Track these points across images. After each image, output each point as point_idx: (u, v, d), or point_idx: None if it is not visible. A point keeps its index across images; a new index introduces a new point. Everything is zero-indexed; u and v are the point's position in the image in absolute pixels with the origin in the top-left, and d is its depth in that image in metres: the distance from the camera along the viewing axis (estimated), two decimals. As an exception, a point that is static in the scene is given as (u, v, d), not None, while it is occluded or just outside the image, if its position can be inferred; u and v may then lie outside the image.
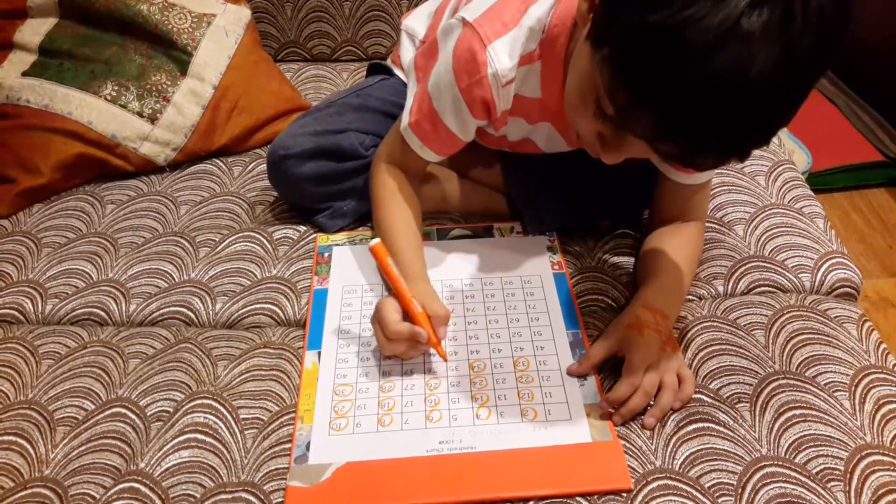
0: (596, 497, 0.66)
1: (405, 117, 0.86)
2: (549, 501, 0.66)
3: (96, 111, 1.06)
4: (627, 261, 0.92)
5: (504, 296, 0.86)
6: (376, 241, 0.80)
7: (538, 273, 0.89)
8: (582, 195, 0.92)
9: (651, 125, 0.60)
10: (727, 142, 0.60)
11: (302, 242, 0.95)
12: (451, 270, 0.90)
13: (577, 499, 0.66)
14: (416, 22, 1.05)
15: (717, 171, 0.86)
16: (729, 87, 0.55)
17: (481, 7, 0.79)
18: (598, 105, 0.64)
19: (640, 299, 0.79)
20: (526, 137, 0.90)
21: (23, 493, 0.68)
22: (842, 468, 0.67)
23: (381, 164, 0.90)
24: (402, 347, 0.77)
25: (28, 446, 0.72)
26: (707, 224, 0.94)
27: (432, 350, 0.78)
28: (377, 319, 0.77)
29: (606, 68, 0.60)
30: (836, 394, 0.74)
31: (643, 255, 0.86)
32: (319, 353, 0.80)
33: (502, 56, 0.77)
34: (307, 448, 0.70)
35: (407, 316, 0.77)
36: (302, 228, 0.97)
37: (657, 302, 0.78)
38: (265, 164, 0.98)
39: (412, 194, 0.90)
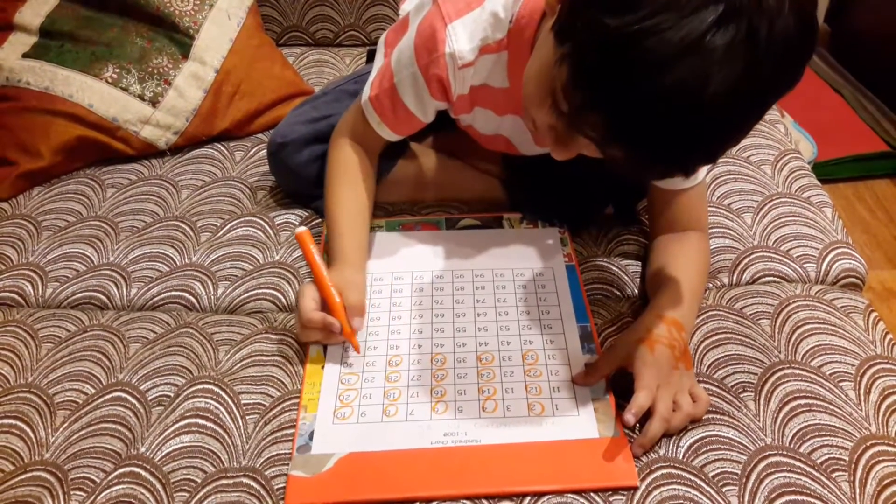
0: (600, 492, 0.65)
1: (366, 90, 0.85)
2: (553, 497, 0.65)
3: (97, 94, 1.05)
4: (634, 250, 0.91)
5: (515, 288, 0.85)
6: (302, 229, 0.79)
7: (551, 266, 0.88)
8: (581, 183, 0.91)
9: (602, 129, 0.59)
10: (675, 156, 0.60)
11: (294, 237, 0.94)
12: (462, 261, 0.88)
13: (582, 495, 0.65)
14: (411, 5, 1.04)
15: (707, 177, 0.84)
16: (684, 102, 0.54)
17: None
18: (554, 99, 0.63)
19: (653, 308, 0.75)
20: (497, 133, 0.89)
21: (23, 476, 0.67)
22: (846, 458, 0.67)
23: (341, 137, 0.89)
24: (317, 336, 0.76)
25: (28, 430, 0.71)
26: (713, 212, 0.94)
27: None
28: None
29: (565, 65, 0.59)
30: (841, 384, 0.73)
31: (651, 266, 0.83)
32: None
33: (461, 37, 0.76)
34: (310, 437, 0.69)
35: (325, 304, 0.76)
36: (304, 214, 0.97)
37: (672, 311, 0.74)
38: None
39: (368, 173, 0.89)
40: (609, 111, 0.57)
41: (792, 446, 0.68)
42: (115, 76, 1.07)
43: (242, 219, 0.96)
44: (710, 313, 0.81)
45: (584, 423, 0.70)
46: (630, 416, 0.67)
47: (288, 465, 0.67)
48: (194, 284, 0.87)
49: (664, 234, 0.85)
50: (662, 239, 0.85)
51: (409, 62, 0.79)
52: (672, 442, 0.68)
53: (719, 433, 0.69)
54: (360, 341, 0.79)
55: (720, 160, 1.02)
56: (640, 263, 0.89)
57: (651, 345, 0.70)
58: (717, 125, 0.57)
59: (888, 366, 0.75)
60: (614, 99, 0.56)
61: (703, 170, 0.83)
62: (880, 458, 0.67)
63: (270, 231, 0.94)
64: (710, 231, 0.90)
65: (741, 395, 0.72)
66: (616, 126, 0.58)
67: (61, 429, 0.71)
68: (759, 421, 0.70)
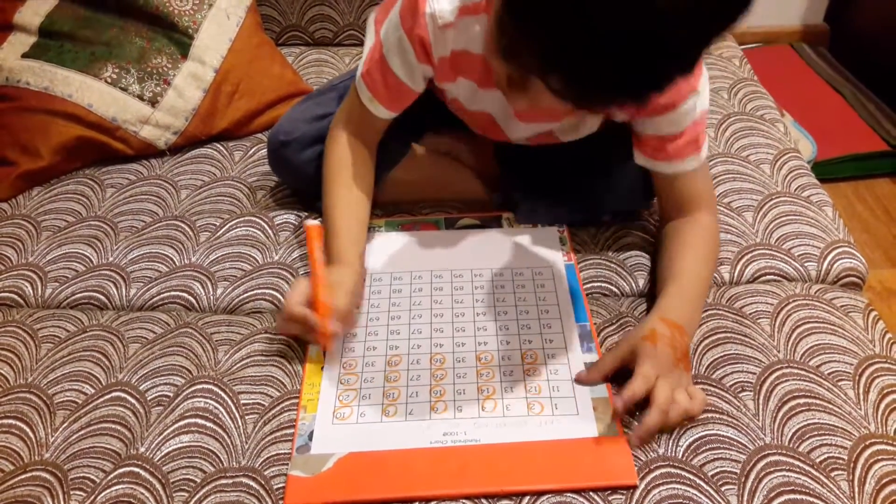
0: (600, 490, 0.65)
1: (359, 68, 0.85)
2: (552, 496, 0.65)
3: (97, 94, 1.05)
4: (632, 248, 0.91)
5: (514, 287, 0.85)
6: (314, 222, 0.78)
7: (549, 265, 0.88)
8: (577, 190, 0.91)
9: (538, 54, 0.56)
10: (616, 77, 0.55)
11: (303, 228, 0.94)
12: (460, 261, 0.89)
13: (582, 494, 0.65)
14: None
15: (707, 160, 0.84)
16: (621, 10, 0.50)
17: None
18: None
19: (658, 311, 0.75)
20: (481, 109, 0.87)
21: (23, 476, 0.67)
22: (845, 457, 0.67)
23: (337, 128, 0.89)
24: (297, 329, 0.76)
25: (28, 430, 0.71)
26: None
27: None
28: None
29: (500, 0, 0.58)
30: (840, 383, 0.73)
31: (660, 260, 0.83)
32: None
33: None
34: (309, 437, 0.70)
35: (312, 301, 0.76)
36: (303, 214, 0.97)
37: (676, 314, 0.74)
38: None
39: (366, 168, 0.89)
40: (541, 31, 0.55)
41: (791, 445, 0.68)
42: (114, 76, 1.07)
43: (242, 219, 0.96)
44: (710, 312, 0.81)
45: (584, 422, 0.70)
46: (620, 402, 0.67)
47: (287, 465, 0.67)
48: (193, 284, 0.87)
49: (672, 222, 0.84)
50: (670, 229, 0.84)
51: (395, 28, 0.80)
52: (671, 441, 0.69)
53: (718, 432, 0.69)
54: (359, 342, 0.79)
55: (718, 159, 1.03)
56: (639, 262, 0.89)
57: (654, 341, 0.71)
58: (667, 35, 0.52)
59: (887, 365, 0.75)
60: (546, 19, 0.53)
61: (704, 148, 0.81)
62: (879, 457, 0.67)
63: (270, 231, 0.94)
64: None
65: (740, 395, 0.72)
66: (550, 48, 0.55)
67: (61, 429, 0.71)
68: (758, 420, 0.70)
